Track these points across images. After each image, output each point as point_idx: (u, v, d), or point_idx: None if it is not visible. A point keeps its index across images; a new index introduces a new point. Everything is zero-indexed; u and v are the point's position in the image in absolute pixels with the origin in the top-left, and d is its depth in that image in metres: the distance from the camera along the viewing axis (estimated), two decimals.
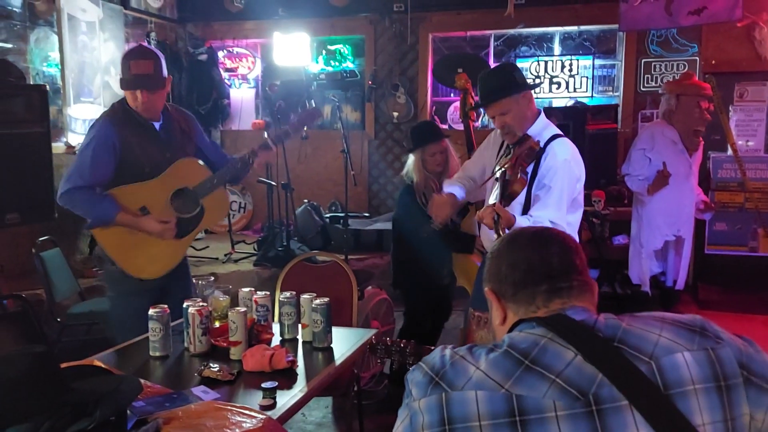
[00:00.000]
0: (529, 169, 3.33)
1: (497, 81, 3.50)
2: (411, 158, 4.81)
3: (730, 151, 5.84)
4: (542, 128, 3.50)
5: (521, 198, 3.38)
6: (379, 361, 2.93)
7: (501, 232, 3.01)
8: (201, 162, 3.98)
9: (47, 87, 5.64)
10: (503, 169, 3.24)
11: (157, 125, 3.87)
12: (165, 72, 3.81)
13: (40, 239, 5.39)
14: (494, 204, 3.14)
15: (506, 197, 3.19)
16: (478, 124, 8.62)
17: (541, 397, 1.32)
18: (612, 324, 1.42)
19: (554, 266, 1.51)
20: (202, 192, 3.89)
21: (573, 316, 1.44)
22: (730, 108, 7.38)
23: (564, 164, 3.38)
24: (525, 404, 1.32)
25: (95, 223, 3.76)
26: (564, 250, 1.54)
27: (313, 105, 4.25)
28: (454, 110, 8.90)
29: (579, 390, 1.31)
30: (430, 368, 1.45)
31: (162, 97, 3.85)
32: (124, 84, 3.75)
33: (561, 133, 3.54)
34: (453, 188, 3.76)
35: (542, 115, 3.58)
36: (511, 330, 1.51)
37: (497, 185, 3.24)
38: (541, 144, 3.39)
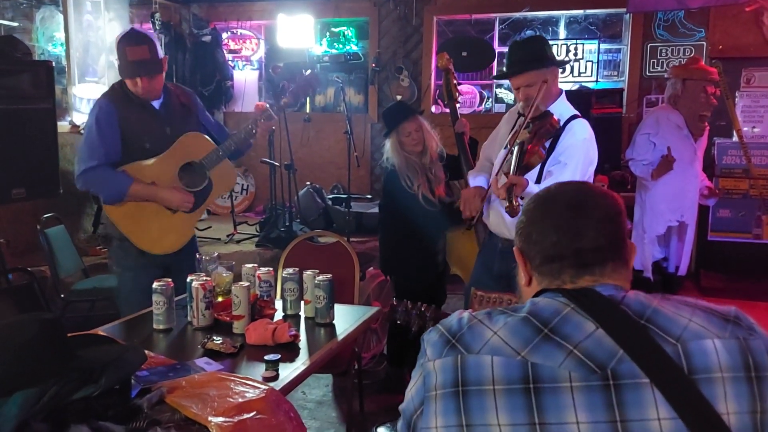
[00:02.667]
0: (547, 144, 3.32)
1: (530, 51, 3.47)
2: (388, 142, 4.76)
3: (735, 137, 5.82)
4: (563, 107, 3.48)
5: (534, 173, 3.37)
6: (398, 319, 2.89)
7: (514, 200, 2.98)
8: (206, 135, 4.01)
9: (53, 63, 5.62)
10: (522, 141, 3.22)
11: (156, 103, 3.91)
12: (161, 53, 3.84)
13: (45, 216, 5.43)
14: (508, 173, 3.10)
15: (522, 167, 3.16)
16: (477, 108, 8.62)
17: (557, 366, 1.30)
18: (642, 301, 1.39)
19: (586, 242, 1.44)
20: (209, 164, 3.94)
21: (601, 291, 1.41)
22: (737, 93, 7.34)
23: (583, 143, 3.36)
24: (540, 372, 1.30)
25: (111, 198, 3.80)
26: (601, 221, 1.45)
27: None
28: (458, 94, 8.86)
29: (597, 363, 1.29)
30: (447, 330, 1.43)
31: (161, 79, 3.88)
32: (123, 72, 3.79)
33: (579, 113, 3.52)
34: (478, 179, 3.73)
35: (563, 94, 3.56)
36: (536, 295, 1.48)
37: (511, 157, 3.21)
38: (561, 123, 3.38)
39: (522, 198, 3.06)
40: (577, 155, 3.33)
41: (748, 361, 1.31)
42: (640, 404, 1.26)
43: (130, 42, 3.73)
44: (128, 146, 3.81)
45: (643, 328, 1.33)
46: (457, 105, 4.90)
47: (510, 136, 3.47)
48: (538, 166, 3.35)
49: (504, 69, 3.63)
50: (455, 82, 4.86)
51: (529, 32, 8.64)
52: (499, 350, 1.34)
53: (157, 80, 3.82)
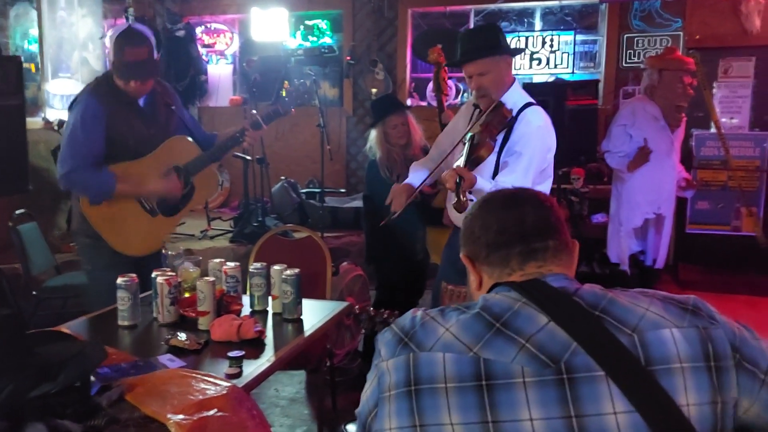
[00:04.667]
0: (500, 137, 3.29)
1: (482, 39, 3.43)
2: (373, 132, 4.79)
3: (713, 129, 5.80)
4: (516, 96, 3.43)
5: (491, 166, 3.33)
6: (363, 328, 2.87)
7: (462, 196, 2.93)
8: (191, 140, 3.97)
9: (21, 58, 5.54)
10: (473, 134, 3.19)
11: (141, 101, 3.84)
12: (156, 53, 3.78)
13: (17, 213, 5.35)
14: (457, 166, 3.06)
15: (471, 161, 3.13)
16: (452, 101, 8.58)
17: (509, 361, 1.27)
18: (597, 293, 1.38)
19: (528, 226, 1.45)
20: (193, 170, 3.89)
21: (552, 282, 1.40)
22: (714, 84, 7.32)
23: (537, 131, 3.32)
24: (492, 368, 1.28)
25: (98, 198, 3.72)
26: (538, 208, 1.48)
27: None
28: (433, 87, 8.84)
29: (550, 356, 1.27)
30: (400, 329, 1.42)
31: (152, 81, 3.82)
32: (118, 71, 3.68)
33: (534, 101, 3.47)
34: (414, 175, 3.68)
35: (517, 83, 3.51)
36: (488, 291, 1.46)
37: (464, 150, 3.18)
38: (514, 112, 3.34)
39: (471, 193, 3.04)
40: (531, 144, 3.29)
41: (708, 351, 1.29)
42: (596, 398, 1.24)
43: (129, 42, 3.64)
44: (112, 144, 3.72)
45: (597, 319, 1.31)
46: (445, 98, 4.92)
47: (467, 130, 3.43)
48: (495, 158, 3.31)
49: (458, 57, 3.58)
50: (445, 76, 4.88)
51: (504, 23, 8.59)
52: (450, 347, 1.32)
53: (149, 82, 3.77)
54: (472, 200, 2.98)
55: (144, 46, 3.65)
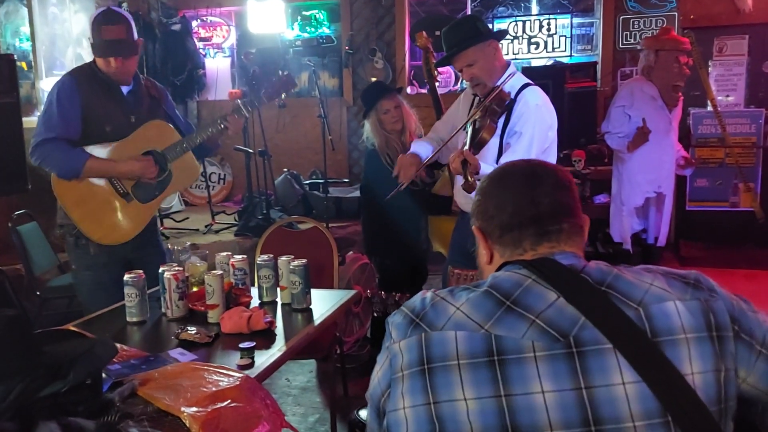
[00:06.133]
0: (501, 120, 3.32)
1: (460, 32, 3.47)
2: (368, 123, 4.78)
3: (710, 107, 5.81)
4: (512, 79, 3.45)
5: (494, 149, 3.36)
6: (374, 311, 2.89)
7: (469, 177, 2.98)
8: (171, 126, 3.92)
9: (15, 57, 5.53)
10: (474, 119, 3.22)
11: (125, 89, 3.80)
12: (135, 35, 3.74)
13: (16, 213, 5.33)
14: (463, 150, 3.10)
15: (475, 144, 3.18)
16: (452, 87, 8.58)
17: (520, 337, 1.30)
18: (603, 269, 1.41)
19: (543, 208, 1.46)
20: (171, 155, 3.82)
21: (561, 260, 1.42)
22: (710, 63, 7.35)
23: (535, 109, 3.36)
24: (503, 344, 1.30)
25: (65, 173, 3.66)
26: (555, 188, 1.49)
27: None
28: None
29: (559, 331, 1.30)
30: (411, 311, 1.44)
31: (134, 62, 3.78)
32: (97, 50, 3.68)
33: (531, 82, 3.51)
34: (418, 147, 3.70)
35: (512, 65, 3.55)
36: (498, 269, 1.49)
37: (468, 136, 3.22)
38: (512, 95, 3.37)
39: (477, 175, 3.06)
40: (531, 122, 3.33)
41: (710, 321, 1.33)
42: (604, 370, 1.27)
43: (106, 20, 3.62)
44: (88, 127, 3.68)
45: (604, 294, 1.34)
46: (437, 83, 4.91)
47: (468, 116, 3.46)
48: (498, 141, 3.35)
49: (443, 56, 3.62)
50: (434, 60, 4.86)
51: (500, 9, 8.58)
52: (462, 325, 1.35)
53: (130, 62, 3.72)
54: (479, 181, 3.01)
55: (121, 24, 3.62)
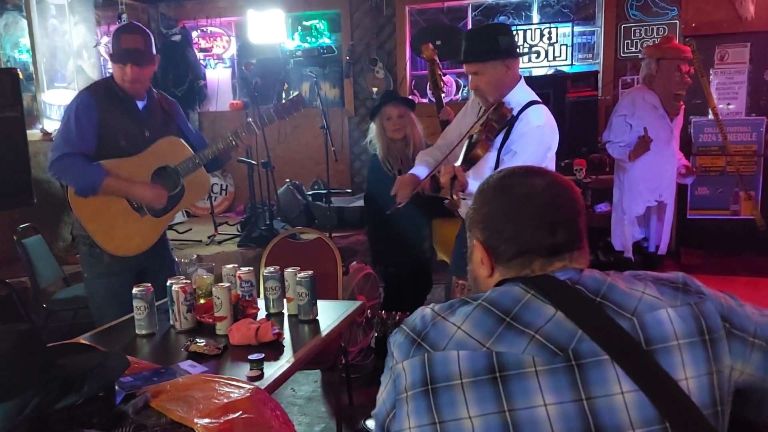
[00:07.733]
0: (500, 137, 3.31)
1: (479, 44, 3.42)
2: (373, 127, 4.82)
3: (711, 115, 5.83)
4: (520, 95, 3.43)
5: (492, 163, 3.35)
6: (375, 331, 2.91)
7: (454, 195, 2.97)
8: (183, 141, 3.99)
9: (18, 71, 5.54)
10: (472, 133, 3.23)
11: (140, 104, 3.88)
12: (154, 50, 3.84)
13: (21, 226, 5.36)
14: (454, 165, 3.10)
15: (467, 160, 3.18)
16: (453, 97, 8.61)
17: (520, 352, 1.33)
18: (597, 278, 1.44)
19: (561, 238, 1.47)
20: (184, 171, 3.91)
21: (559, 276, 1.45)
22: (711, 71, 7.35)
23: (536, 130, 3.32)
24: (505, 360, 1.33)
25: (83, 189, 3.72)
26: (573, 214, 1.50)
27: (298, 94, 4.17)
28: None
29: (558, 345, 1.34)
30: (412, 330, 1.45)
31: (149, 74, 3.87)
32: (115, 57, 3.76)
33: (539, 99, 3.47)
34: (417, 168, 3.70)
35: (522, 81, 3.50)
36: (497, 284, 1.50)
37: (463, 150, 3.22)
38: (515, 111, 3.35)
39: (462, 193, 3.06)
40: (528, 143, 3.29)
41: (701, 326, 1.38)
42: (604, 381, 1.31)
43: (126, 30, 3.76)
44: (104, 141, 3.76)
45: (599, 306, 1.38)
46: (442, 94, 4.93)
47: (471, 127, 3.46)
48: (495, 157, 3.34)
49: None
50: (440, 72, 4.89)
51: (501, 18, 8.61)
52: (464, 344, 1.37)
53: (145, 72, 3.81)
54: (464, 200, 3.04)
55: (140, 35, 3.74)
